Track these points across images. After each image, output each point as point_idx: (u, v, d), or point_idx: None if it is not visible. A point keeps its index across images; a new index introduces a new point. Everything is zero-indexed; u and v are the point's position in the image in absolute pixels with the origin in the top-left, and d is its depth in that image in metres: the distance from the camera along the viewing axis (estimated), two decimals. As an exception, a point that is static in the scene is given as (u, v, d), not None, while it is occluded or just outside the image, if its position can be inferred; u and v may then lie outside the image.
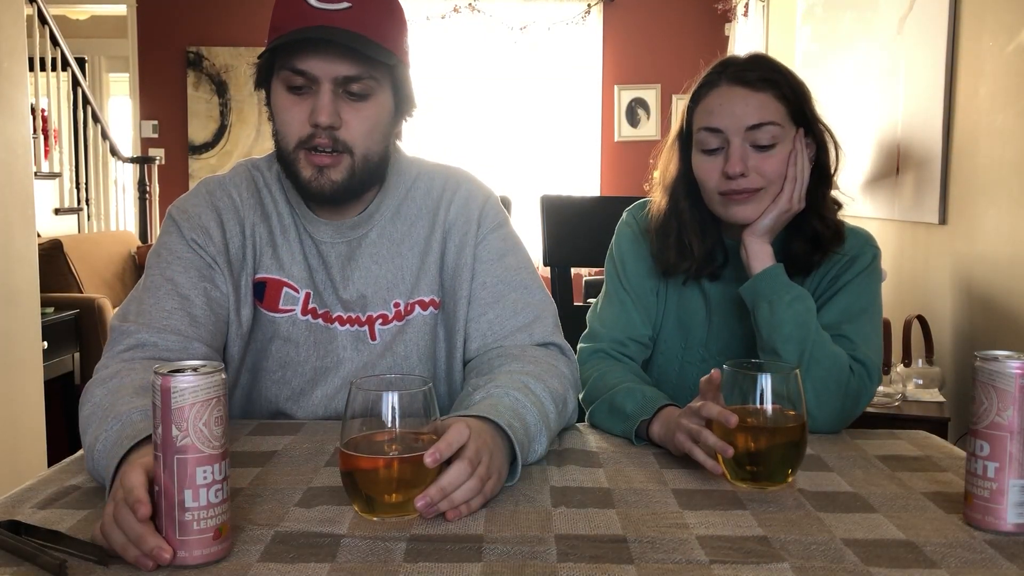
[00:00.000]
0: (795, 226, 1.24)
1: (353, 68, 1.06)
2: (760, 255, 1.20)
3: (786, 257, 1.23)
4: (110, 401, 0.96)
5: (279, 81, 1.09)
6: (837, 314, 1.21)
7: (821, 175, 1.25)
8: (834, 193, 1.28)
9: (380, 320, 1.19)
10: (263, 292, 1.18)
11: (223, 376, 0.75)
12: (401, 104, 1.15)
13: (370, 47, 1.05)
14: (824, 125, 1.25)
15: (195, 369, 0.74)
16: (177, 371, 0.73)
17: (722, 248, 1.29)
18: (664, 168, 1.32)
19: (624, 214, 1.40)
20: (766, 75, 1.20)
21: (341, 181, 1.10)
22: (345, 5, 1.05)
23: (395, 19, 1.11)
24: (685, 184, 1.28)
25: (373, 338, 1.19)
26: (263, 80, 1.13)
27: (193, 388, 0.72)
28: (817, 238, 1.23)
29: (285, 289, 1.18)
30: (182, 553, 0.72)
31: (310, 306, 1.19)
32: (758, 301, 1.18)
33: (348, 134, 1.09)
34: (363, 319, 1.19)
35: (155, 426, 0.73)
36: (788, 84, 1.21)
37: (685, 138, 1.28)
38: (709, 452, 0.96)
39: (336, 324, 1.19)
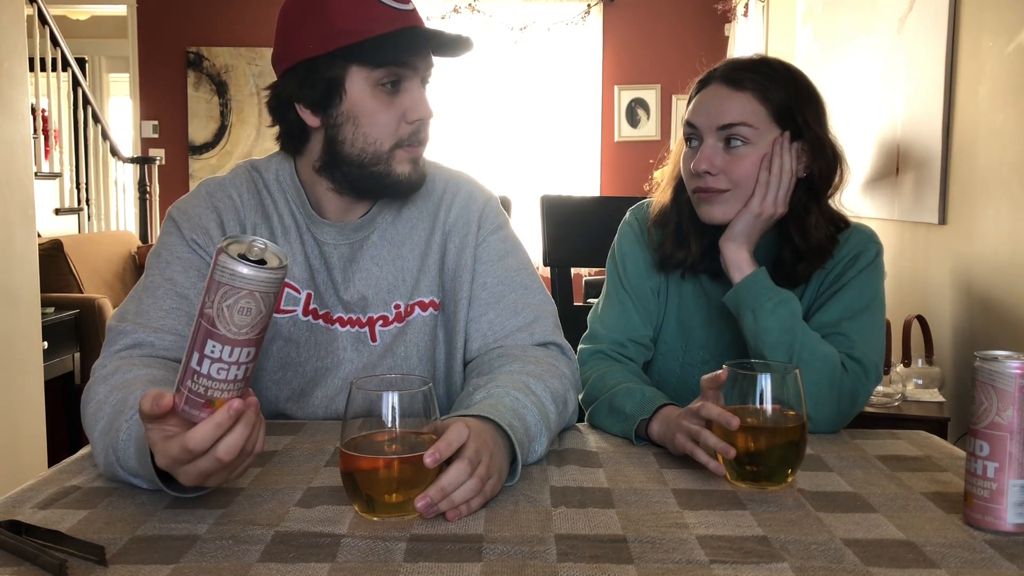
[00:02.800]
0: (783, 234, 1.23)
1: (431, 60, 1.13)
2: (737, 263, 1.19)
3: (775, 263, 1.23)
4: (120, 396, 0.96)
5: (367, 83, 1.09)
6: (839, 311, 1.20)
7: (810, 186, 1.22)
8: (840, 208, 1.26)
9: (380, 321, 1.20)
10: None
11: (273, 275, 0.76)
12: None
13: (466, 39, 1.13)
14: (823, 136, 1.21)
15: (259, 261, 0.76)
16: (243, 253, 0.76)
17: None
18: (672, 163, 1.33)
19: (627, 214, 1.40)
20: (754, 76, 1.19)
21: (422, 167, 1.16)
22: (412, 6, 1.12)
23: None
24: None
25: (373, 339, 1.20)
26: (331, 88, 1.09)
27: (231, 272, 0.75)
28: (799, 251, 1.22)
29: (287, 290, 1.18)
30: (178, 401, 0.79)
31: (311, 307, 1.19)
32: (742, 310, 1.18)
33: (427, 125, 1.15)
34: (363, 320, 1.19)
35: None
36: (782, 87, 1.19)
37: None
38: (710, 452, 0.96)
39: (337, 325, 1.19)
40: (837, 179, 1.24)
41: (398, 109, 1.10)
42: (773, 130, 1.19)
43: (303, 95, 1.10)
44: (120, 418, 0.92)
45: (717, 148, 1.19)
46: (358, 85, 1.09)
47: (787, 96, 1.19)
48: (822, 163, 1.21)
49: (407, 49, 1.09)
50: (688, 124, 1.23)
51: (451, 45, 1.12)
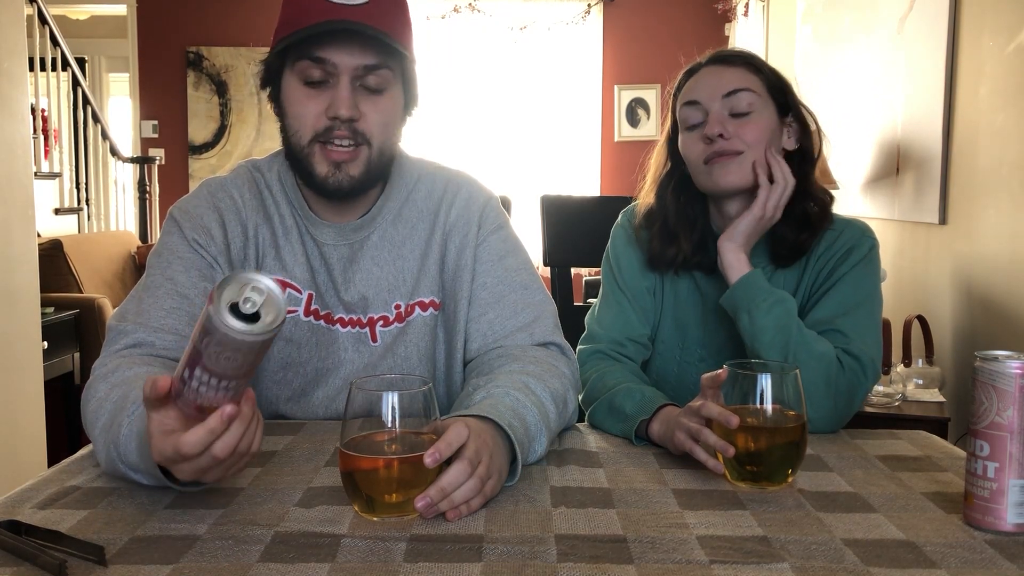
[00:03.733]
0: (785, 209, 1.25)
1: (373, 58, 1.07)
2: (735, 264, 1.21)
3: (775, 243, 1.25)
4: (121, 393, 0.96)
5: (293, 75, 1.09)
6: (833, 308, 1.20)
7: (804, 156, 1.28)
8: (831, 190, 1.30)
9: (381, 322, 1.20)
10: None
11: (262, 337, 0.74)
12: (409, 102, 1.16)
13: (389, 39, 1.06)
14: (805, 108, 1.29)
15: (251, 316, 0.74)
16: (246, 296, 0.74)
17: (714, 241, 1.30)
18: (655, 165, 1.36)
19: (619, 216, 1.41)
20: (743, 56, 1.27)
21: (359, 176, 1.11)
22: (362, 1, 1.06)
23: (405, 18, 1.12)
24: (674, 178, 1.32)
25: (374, 340, 1.20)
26: (272, 77, 1.12)
27: (217, 326, 0.73)
28: (806, 217, 1.24)
29: (288, 290, 1.18)
30: (174, 394, 0.79)
31: (312, 307, 1.19)
32: (738, 311, 1.19)
33: (366, 126, 1.09)
34: (364, 321, 1.19)
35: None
36: (765, 64, 1.27)
37: (674, 133, 1.32)
38: (710, 451, 0.96)
39: (338, 326, 1.19)
40: (822, 147, 1.31)
41: (321, 105, 1.08)
42: (769, 104, 1.25)
43: (267, 82, 1.14)
44: (121, 414, 0.92)
45: (725, 115, 1.23)
46: (287, 77, 1.10)
47: (770, 70, 1.27)
48: (809, 135, 1.29)
49: (317, 44, 1.06)
50: (689, 103, 1.26)
51: (369, 42, 1.06)
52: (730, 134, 1.22)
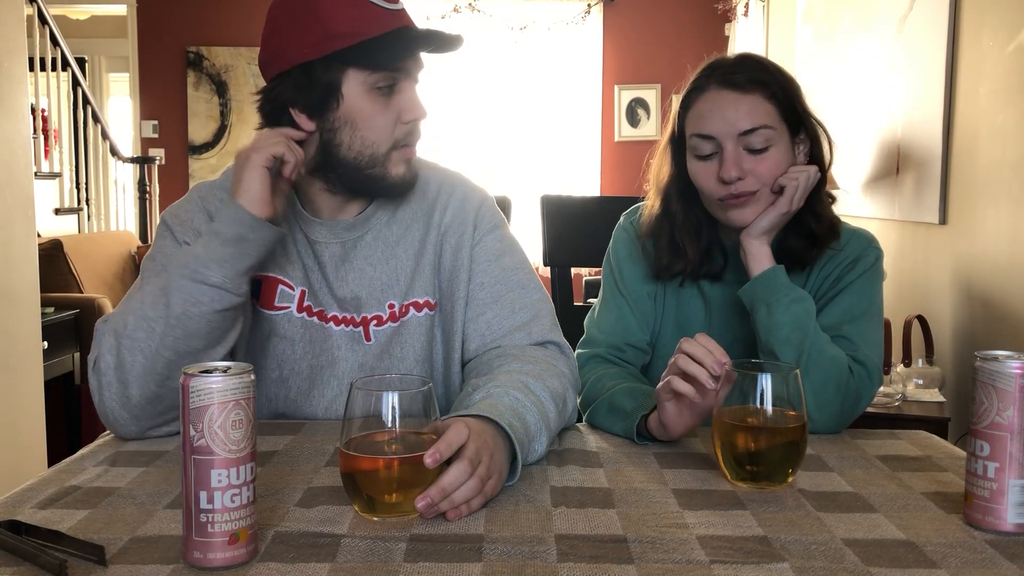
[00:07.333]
0: (792, 222, 1.24)
1: (422, 59, 1.14)
2: (759, 256, 1.20)
3: (783, 253, 1.24)
4: (157, 287, 1.04)
5: (363, 86, 1.08)
6: (839, 315, 1.20)
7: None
8: (832, 191, 1.28)
9: (375, 321, 1.20)
10: (259, 290, 1.18)
11: (245, 379, 0.73)
12: None
13: (456, 38, 1.13)
14: (816, 120, 1.25)
15: (224, 370, 0.73)
16: (206, 371, 0.73)
17: (720, 250, 1.29)
18: (657, 171, 1.32)
19: (621, 218, 1.40)
20: (754, 76, 1.19)
21: (416, 167, 1.17)
22: (400, 6, 1.11)
23: None
24: (678, 186, 1.28)
25: (368, 338, 1.20)
26: (328, 93, 1.08)
27: (208, 389, 0.71)
28: (812, 234, 1.23)
29: (281, 287, 1.18)
30: (197, 554, 0.73)
31: (305, 304, 1.19)
32: (756, 304, 1.18)
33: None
34: (357, 320, 1.19)
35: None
36: (777, 83, 1.20)
37: (678, 141, 1.27)
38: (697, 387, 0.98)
39: (331, 323, 1.19)
40: (831, 155, 1.27)
41: (394, 111, 1.10)
42: (784, 132, 1.21)
43: (299, 99, 1.10)
44: (171, 276, 1.03)
45: (740, 153, 1.19)
46: (355, 89, 1.09)
47: (782, 89, 1.21)
48: (819, 146, 1.25)
49: (402, 52, 1.08)
50: (701, 136, 1.20)
51: (443, 44, 1.12)
52: (746, 173, 1.18)
